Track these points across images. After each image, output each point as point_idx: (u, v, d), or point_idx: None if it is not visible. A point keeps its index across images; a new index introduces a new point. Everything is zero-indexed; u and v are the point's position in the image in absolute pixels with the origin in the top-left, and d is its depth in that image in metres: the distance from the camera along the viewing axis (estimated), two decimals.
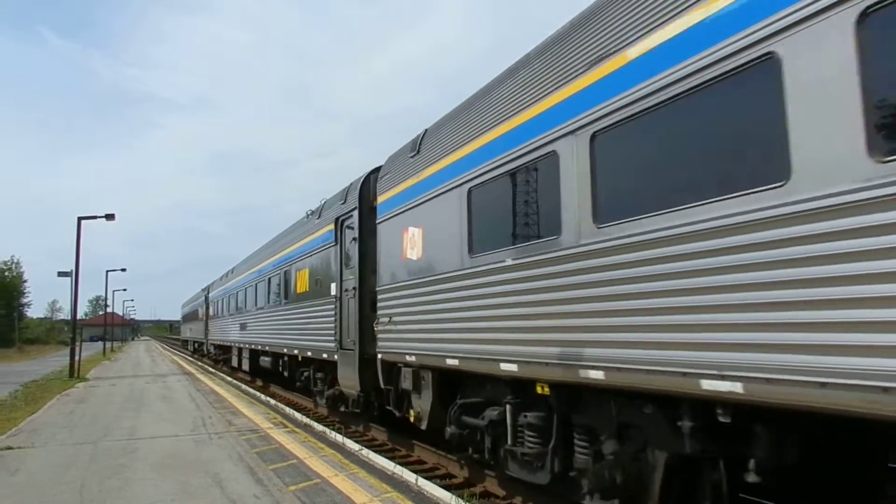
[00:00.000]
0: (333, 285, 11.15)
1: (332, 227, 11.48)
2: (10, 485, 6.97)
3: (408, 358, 8.02)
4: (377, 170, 10.12)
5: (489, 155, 6.34)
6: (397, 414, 9.03)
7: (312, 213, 13.66)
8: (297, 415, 12.37)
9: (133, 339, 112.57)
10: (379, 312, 9.00)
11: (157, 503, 6.18)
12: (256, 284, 19.44)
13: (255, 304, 19.40)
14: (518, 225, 5.88)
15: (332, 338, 11.00)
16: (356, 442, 9.33)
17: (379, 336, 8.98)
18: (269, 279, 17.44)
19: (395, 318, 8.43)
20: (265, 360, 17.93)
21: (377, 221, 9.29)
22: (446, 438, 7.24)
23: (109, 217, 26.69)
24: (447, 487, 6.82)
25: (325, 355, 11.59)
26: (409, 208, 8.14)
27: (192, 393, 16.96)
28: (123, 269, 53.90)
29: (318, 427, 10.78)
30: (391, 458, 8.39)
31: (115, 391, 17.98)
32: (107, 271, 50.97)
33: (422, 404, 7.99)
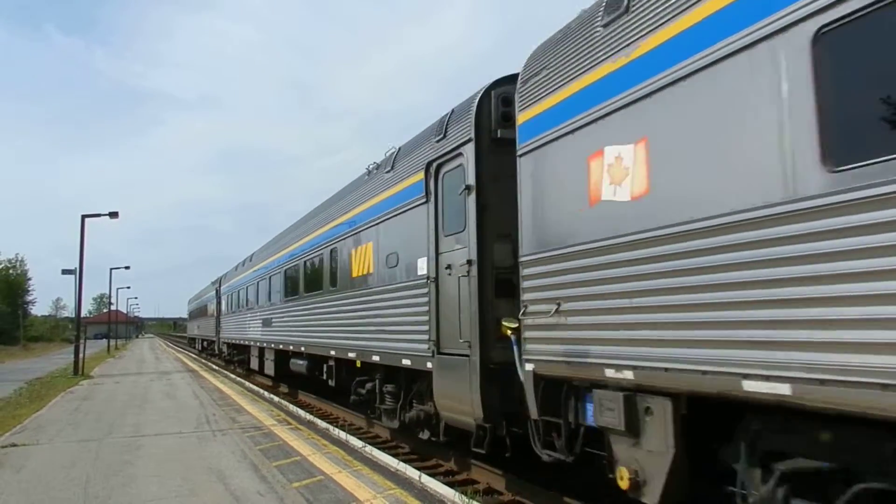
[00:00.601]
0: (422, 261, 7.68)
1: (419, 177, 7.90)
2: (15, 482, 6.85)
3: (609, 373, 4.60)
4: (502, 81, 6.71)
5: None
6: (545, 457, 5.56)
7: (378, 166, 9.86)
8: (301, 412, 11.99)
9: (137, 337, 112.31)
10: (525, 298, 5.64)
11: (161, 499, 6.06)
12: (285, 271, 15.63)
13: (284, 295, 15.63)
14: None
15: (424, 337, 7.47)
16: (360, 439, 9.06)
17: (528, 335, 5.60)
18: (305, 263, 13.67)
19: (567, 307, 5.09)
20: (298, 364, 13.99)
21: (520, 153, 5.78)
22: None
23: (113, 215, 26.40)
24: (450, 484, 6.58)
25: (406, 362, 7.96)
26: (608, 113, 4.67)
27: (196, 390, 16.53)
28: (127, 267, 53.72)
29: (322, 424, 10.42)
30: (394, 455, 8.11)
31: (120, 388, 17.59)
32: (111, 269, 51.25)
33: (645, 459, 4.44)
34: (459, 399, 6.65)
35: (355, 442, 8.73)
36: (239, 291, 23.65)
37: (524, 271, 5.70)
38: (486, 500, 6.68)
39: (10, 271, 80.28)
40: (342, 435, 9.26)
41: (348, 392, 10.61)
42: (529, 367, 5.56)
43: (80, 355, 24.48)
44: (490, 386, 6.24)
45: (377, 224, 9.37)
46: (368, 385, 9.85)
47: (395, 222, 8.73)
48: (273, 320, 16.89)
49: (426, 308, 7.49)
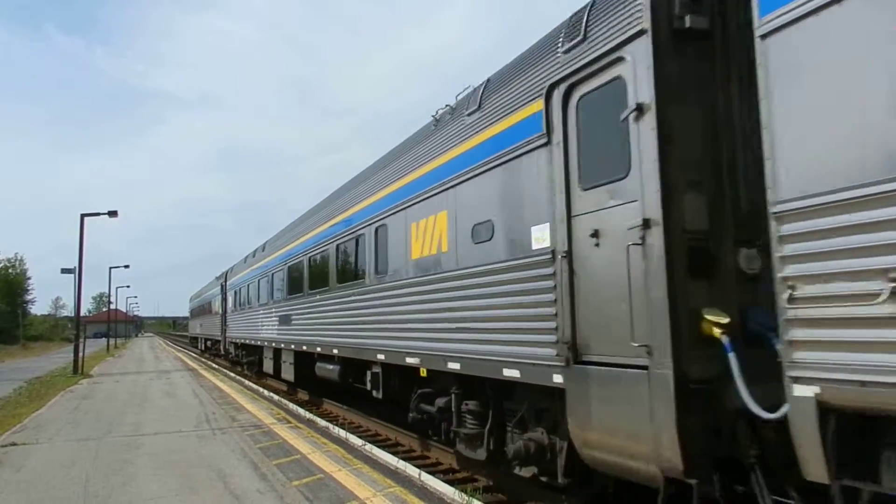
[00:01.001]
0: (540, 229, 5.51)
1: (534, 108, 5.63)
2: (14, 481, 6.82)
3: None
4: None
5: None
6: None
7: (453, 109, 7.47)
8: (301, 410, 11.91)
9: (137, 336, 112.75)
10: (789, 273, 3.50)
11: (161, 498, 6.05)
12: (310, 259, 13.16)
13: (309, 288, 13.14)
14: None
15: (548, 338, 5.29)
16: (360, 438, 9.07)
17: (798, 337, 3.46)
18: (338, 248, 11.18)
19: None
20: (328, 369, 11.66)
21: (765, 30, 3.59)
22: None
23: (112, 214, 26.18)
24: (450, 482, 6.55)
25: (511, 373, 5.79)
26: None
27: (196, 389, 16.42)
28: (127, 266, 53.54)
29: (322, 422, 10.32)
30: (394, 453, 8.12)
31: (119, 387, 17.49)
32: (110, 268, 51.22)
33: None
34: (630, 435, 4.45)
35: (355, 440, 8.72)
36: (249, 285, 20.64)
37: (785, 228, 3.52)
38: (485, 497, 6.64)
39: (10, 270, 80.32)
40: (342, 433, 9.25)
41: (395, 405, 8.78)
42: (806, 391, 3.44)
43: (80, 354, 24.39)
44: (691, 417, 4.06)
45: (454, 186, 7.07)
46: (440, 401, 7.53)
47: (487, 180, 6.41)
48: (293, 317, 14.42)
49: (551, 296, 5.27)
